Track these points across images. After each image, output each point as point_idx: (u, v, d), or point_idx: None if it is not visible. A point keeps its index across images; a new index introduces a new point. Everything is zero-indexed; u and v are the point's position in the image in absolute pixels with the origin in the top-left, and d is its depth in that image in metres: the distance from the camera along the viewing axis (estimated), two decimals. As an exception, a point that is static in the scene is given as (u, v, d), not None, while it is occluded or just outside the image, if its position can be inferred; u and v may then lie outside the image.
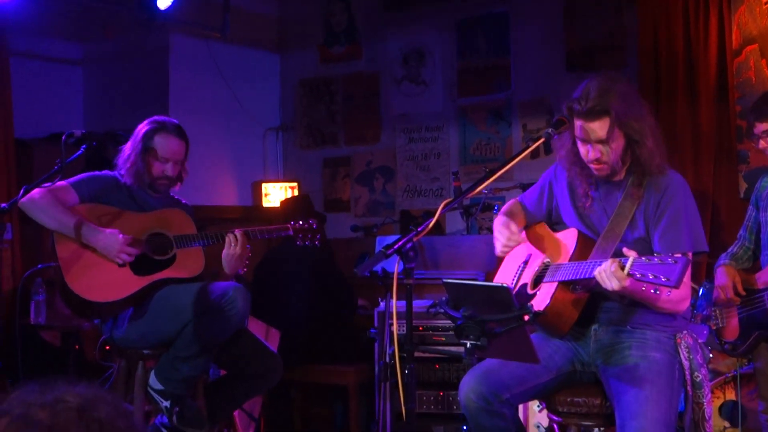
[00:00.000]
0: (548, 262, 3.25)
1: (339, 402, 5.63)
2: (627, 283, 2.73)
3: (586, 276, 2.94)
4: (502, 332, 2.66)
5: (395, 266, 2.89)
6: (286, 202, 5.80)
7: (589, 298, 3.11)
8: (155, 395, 3.84)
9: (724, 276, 3.98)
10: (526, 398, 3.33)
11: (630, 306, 3.13)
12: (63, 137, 3.92)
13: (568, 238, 3.23)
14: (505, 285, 2.73)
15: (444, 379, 4.69)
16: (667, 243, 3.01)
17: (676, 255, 2.62)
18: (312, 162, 7.25)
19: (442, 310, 2.81)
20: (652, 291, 2.67)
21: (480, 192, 3.23)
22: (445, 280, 2.83)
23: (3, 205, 3.68)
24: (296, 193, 6.98)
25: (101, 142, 3.99)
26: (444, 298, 2.83)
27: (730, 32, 5.23)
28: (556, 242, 3.30)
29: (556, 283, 3.09)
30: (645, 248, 3.06)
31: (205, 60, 6.66)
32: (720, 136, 5.33)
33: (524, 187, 5.15)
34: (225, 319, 3.73)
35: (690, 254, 3.01)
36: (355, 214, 7.00)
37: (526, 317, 2.63)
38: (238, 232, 3.97)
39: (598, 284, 2.89)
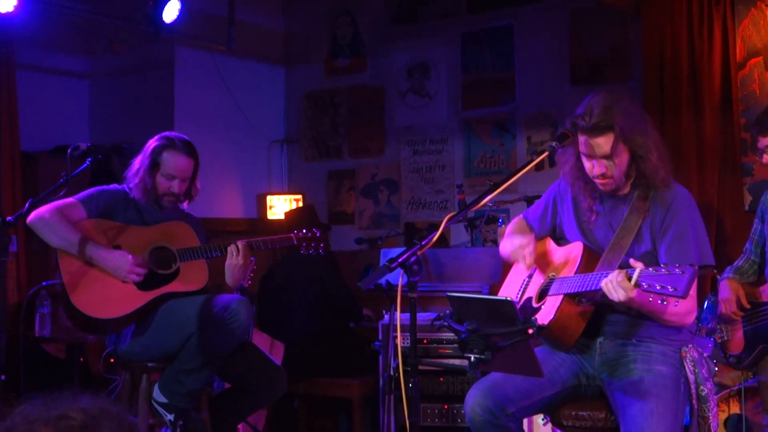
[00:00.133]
0: (553, 275, 3.25)
1: (343, 415, 5.62)
2: (634, 293, 2.72)
3: (593, 288, 2.93)
4: (506, 346, 2.66)
5: (399, 279, 2.89)
6: (290, 214, 5.80)
7: (594, 312, 3.10)
8: (159, 408, 3.83)
9: (728, 290, 3.98)
10: (531, 412, 3.32)
11: (635, 319, 3.12)
12: (68, 150, 3.93)
13: (573, 251, 3.23)
14: (509, 299, 2.73)
15: (449, 392, 4.68)
16: (674, 256, 3.00)
17: (684, 266, 2.61)
18: (317, 174, 7.26)
19: (446, 324, 2.80)
20: (659, 302, 2.66)
21: (484, 205, 3.23)
22: (448, 294, 2.83)
23: (9, 218, 3.69)
24: (301, 205, 6.98)
25: (107, 155, 4.00)
26: (448, 311, 2.83)
27: (734, 45, 5.23)
28: (561, 256, 3.30)
29: (561, 296, 3.08)
30: (651, 262, 3.05)
31: (211, 73, 6.68)
32: (724, 148, 5.33)
33: (529, 200, 5.17)
34: (228, 332, 3.73)
35: (697, 266, 3.01)
36: (359, 227, 7.00)
37: (530, 331, 2.62)
38: (240, 243, 3.97)
39: (603, 297, 2.89)
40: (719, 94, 5.29)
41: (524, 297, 3.33)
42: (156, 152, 4.00)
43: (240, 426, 4.63)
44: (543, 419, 4.31)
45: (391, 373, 4.18)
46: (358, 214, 7.04)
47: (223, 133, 6.77)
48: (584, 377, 3.21)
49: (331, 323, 5.28)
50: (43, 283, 4.85)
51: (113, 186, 4.10)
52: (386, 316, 4.71)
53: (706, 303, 4.38)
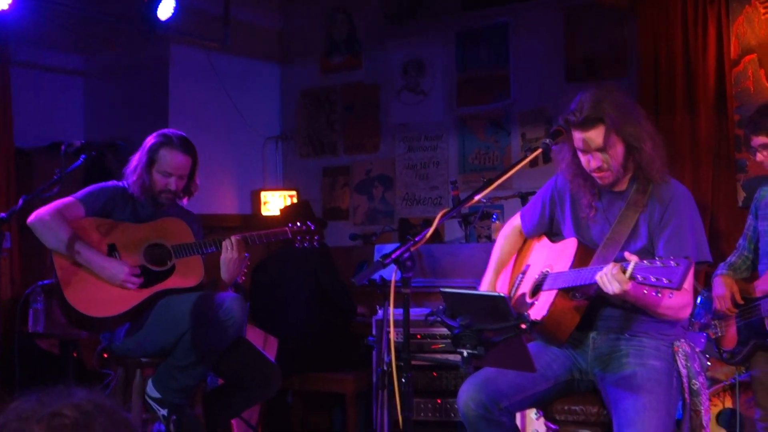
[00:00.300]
0: (547, 271, 3.26)
1: (337, 409, 5.63)
2: (628, 286, 2.73)
3: (587, 282, 2.95)
4: (499, 341, 2.67)
5: (393, 274, 2.90)
6: (286, 210, 5.80)
7: (587, 307, 3.12)
8: (153, 403, 3.84)
9: (722, 286, 4.00)
10: (524, 406, 3.34)
11: (628, 314, 3.14)
12: (63, 147, 3.94)
13: (567, 247, 3.24)
14: (502, 294, 2.74)
15: (442, 386, 4.69)
16: (672, 251, 3.01)
17: (678, 258, 2.62)
18: (311, 171, 7.27)
19: (439, 319, 2.81)
20: (654, 294, 2.68)
21: (479, 201, 3.25)
22: (442, 289, 2.84)
23: (2, 214, 3.69)
24: (295, 201, 6.99)
25: (101, 153, 4.01)
26: (441, 306, 2.84)
27: (729, 42, 5.25)
28: (555, 252, 3.31)
29: (555, 291, 3.09)
30: (646, 257, 3.06)
31: (206, 70, 6.68)
32: (719, 145, 5.34)
33: (523, 196, 5.17)
34: (222, 330, 3.73)
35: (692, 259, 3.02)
36: (354, 223, 7.01)
37: (523, 326, 2.63)
38: (235, 238, 3.98)
39: (597, 291, 2.90)
40: (714, 91, 5.30)
41: (518, 293, 3.35)
42: (153, 149, 4.00)
43: (233, 421, 4.64)
44: (536, 414, 4.34)
45: (385, 368, 4.19)
46: (353, 210, 7.05)
47: (218, 130, 6.77)
48: (577, 372, 3.22)
49: (325, 318, 5.28)
50: (39, 283, 4.86)
51: (112, 183, 4.10)
52: (380, 312, 4.72)
53: (699, 298, 4.40)
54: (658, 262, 2.65)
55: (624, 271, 2.71)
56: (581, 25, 6.06)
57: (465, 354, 2.69)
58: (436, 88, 6.71)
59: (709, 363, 4.21)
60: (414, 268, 2.88)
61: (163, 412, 3.81)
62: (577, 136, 3.12)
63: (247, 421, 4.82)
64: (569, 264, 3.14)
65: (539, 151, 3.18)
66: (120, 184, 4.08)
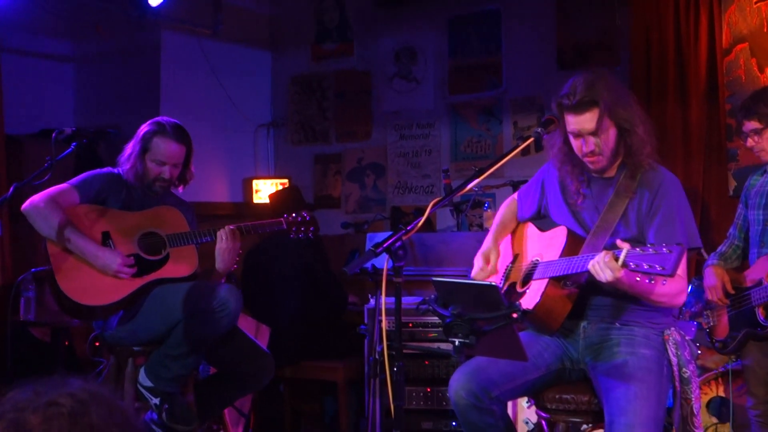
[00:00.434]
0: (537, 260, 3.27)
1: (329, 398, 5.64)
2: (621, 274, 2.74)
3: (579, 270, 2.95)
4: (491, 330, 2.67)
5: (385, 263, 2.90)
6: (275, 195, 5.77)
7: (578, 295, 3.12)
8: (145, 392, 3.83)
9: (713, 277, 4.01)
10: (515, 395, 3.35)
11: (619, 303, 3.14)
12: (53, 134, 3.92)
13: (557, 236, 3.24)
14: (493, 283, 2.75)
15: (433, 375, 4.70)
16: (662, 238, 3.01)
17: (671, 245, 2.63)
18: (303, 158, 7.25)
19: (431, 308, 2.81)
20: (647, 281, 2.68)
21: (470, 189, 3.25)
22: (433, 279, 2.84)
23: (-7, 202, 3.68)
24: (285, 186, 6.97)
25: (91, 140, 3.99)
26: (433, 296, 2.84)
27: (721, 31, 5.25)
28: (545, 241, 3.32)
29: (546, 280, 3.10)
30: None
31: (197, 57, 6.66)
32: (710, 134, 5.35)
33: (514, 185, 5.18)
34: (216, 320, 3.73)
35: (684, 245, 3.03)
36: (345, 211, 7.00)
37: (515, 315, 2.64)
38: (230, 228, 3.97)
39: (589, 279, 2.91)
40: (705, 79, 5.30)
41: (508, 282, 3.35)
42: (146, 138, 3.99)
43: (225, 409, 4.65)
44: (527, 402, 4.35)
45: (376, 356, 4.19)
46: (345, 198, 7.04)
47: (209, 117, 6.75)
48: (568, 361, 3.23)
49: (317, 307, 5.29)
50: (32, 270, 4.84)
51: (107, 170, 4.09)
52: (372, 300, 4.73)
53: (689, 287, 4.41)
54: (650, 249, 2.65)
55: (616, 259, 2.72)
56: (573, 12, 6.05)
57: (456, 343, 2.69)
58: (427, 76, 6.70)
59: (699, 351, 4.25)
60: (406, 257, 2.87)
61: (156, 400, 3.81)
62: (570, 119, 3.12)
63: (239, 409, 4.83)
64: (559, 253, 3.15)
65: (531, 140, 3.20)
66: (115, 171, 4.06)
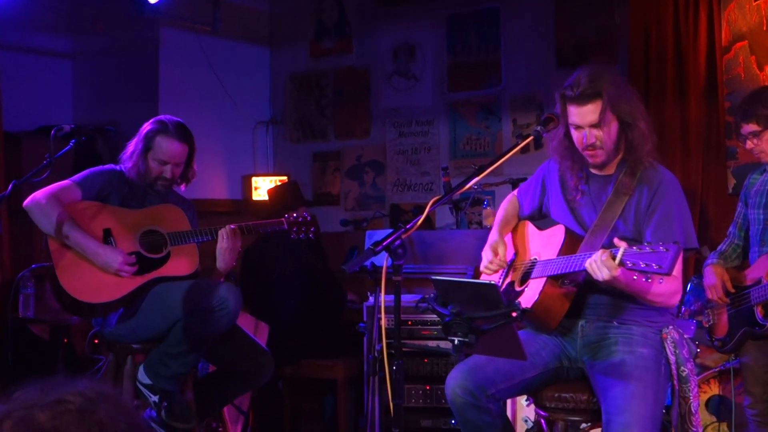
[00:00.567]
0: (535, 259, 3.27)
1: (328, 395, 5.64)
2: (618, 272, 2.74)
3: (577, 269, 2.96)
4: (490, 329, 2.67)
5: (384, 261, 2.90)
6: (274, 191, 5.74)
7: (576, 294, 3.12)
8: (144, 390, 3.83)
9: (712, 276, 4.00)
10: (512, 393, 3.35)
11: (617, 302, 3.15)
12: (52, 132, 3.92)
13: (555, 234, 3.25)
14: (492, 282, 2.75)
15: (432, 373, 4.70)
16: (660, 237, 3.01)
17: (668, 244, 2.63)
18: (302, 156, 7.25)
19: (430, 307, 2.81)
20: (643, 280, 2.68)
21: (470, 187, 3.25)
22: (433, 277, 2.84)
23: (-8, 198, 3.68)
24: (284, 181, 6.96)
25: (90, 137, 3.99)
26: (432, 294, 2.84)
27: (720, 29, 5.24)
28: (543, 240, 3.32)
29: (544, 279, 3.10)
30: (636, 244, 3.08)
31: (196, 54, 6.65)
32: (709, 132, 5.35)
33: (514, 182, 5.18)
34: (215, 320, 3.72)
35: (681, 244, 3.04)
36: (344, 208, 7.00)
37: (514, 314, 2.64)
38: (231, 227, 3.97)
39: (586, 278, 2.91)
40: (704, 77, 5.30)
41: (507, 281, 3.35)
42: (149, 136, 3.98)
43: (224, 407, 4.65)
44: (526, 400, 4.35)
45: (375, 354, 4.19)
46: (344, 195, 7.04)
47: (208, 114, 6.74)
48: (566, 360, 3.23)
49: (316, 305, 5.28)
50: (33, 266, 4.84)
51: (109, 167, 4.08)
52: (371, 298, 4.72)
53: (689, 285, 4.41)
54: (647, 248, 2.66)
55: (613, 258, 2.72)
56: (572, 10, 6.05)
57: (456, 342, 2.69)
58: (426, 73, 6.70)
59: (698, 350, 4.25)
60: (405, 255, 2.87)
61: (155, 398, 3.81)
62: (573, 110, 3.12)
63: (238, 407, 4.83)
64: (557, 251, 3.16)
65: (530, 138, 3.20)
66: (117, 168, 4.06)
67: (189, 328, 3.71)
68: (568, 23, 6.06)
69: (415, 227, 2.91)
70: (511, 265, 3.41)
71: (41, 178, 3.83)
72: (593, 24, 5.96)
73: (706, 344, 4.17)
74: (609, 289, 3.05)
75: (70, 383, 1.32)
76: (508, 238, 3.56)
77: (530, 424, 4.42)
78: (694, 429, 3.10)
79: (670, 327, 3.15)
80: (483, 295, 2.70)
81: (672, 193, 3.15)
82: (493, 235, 3.50)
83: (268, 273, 5.31)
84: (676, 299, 3.12)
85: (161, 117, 4.07)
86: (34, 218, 3.78)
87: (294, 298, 5.22)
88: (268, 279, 5.30)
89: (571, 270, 3.00)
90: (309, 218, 4.16)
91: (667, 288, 2.96)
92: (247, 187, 7.07)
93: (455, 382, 3.11)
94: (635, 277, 2.71)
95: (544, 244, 3.29)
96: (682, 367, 3.09)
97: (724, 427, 4.30)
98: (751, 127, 3.87)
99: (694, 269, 4.77)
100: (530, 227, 3.48)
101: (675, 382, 3.10)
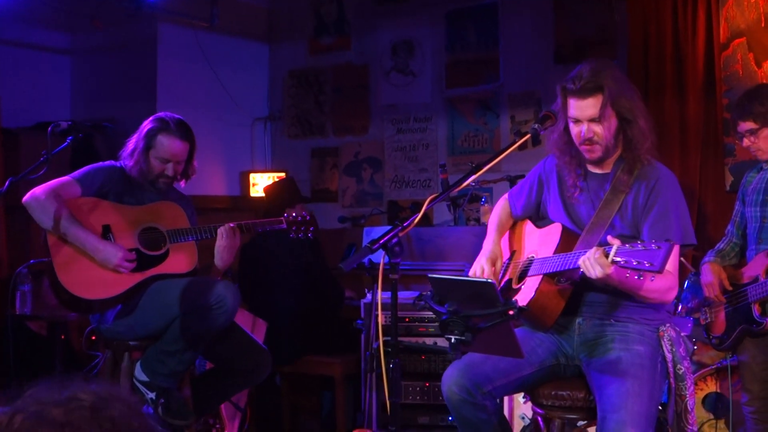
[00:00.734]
0: (532, 257, 3.28)
1: (326, 392, 5.64)
2: (611, 270, 2.75)
3: (571, 267, 2.96)
4: (487, 327, 2.67)
5: (381, 257, 2.90)
6: (270, 187, 5.72)
7: (573, 292, 3.13)
8: (141, 386, 3.83)
9: (709, 273, 4.01)
10: (508, 391, 3.35)
11: (613, 300, 3.15)
12: (49, 128, 3.91)
13: (551, 233, 3.25)
14: (489, 280, 2.75)
15: (430, 369, 4.70)
16: (657, 234, 3.02)
17: (660, 241, 2.64)
18: (300, 152, 7.25)
19: (427, 305, 2.81)
20: (635, 277, 2.69)
21: (467, 184, 3.25)
22: (430, 275, 2.84)
23: (-11, 195, 3.68)
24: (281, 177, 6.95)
25: (88, 134, 3.98)
26: (429, 292, 2.84)
27: (718, 26, 5.24)
28: (540, 238, 3.32)
29: (540, 276, 3.11)
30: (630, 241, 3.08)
31: (194, 50, 6.64)
32: (707, 129, 5.34)
33: (511, 179, 5.18)
34: (213, 318, 3.72)
35: (677, 247, 3.04)
36: (342, 205, 7.00)
37: (511, 312, 2.64)
38: (230, 225, 3.97)
39: (582, 275, 2.91)
40: (702, 74, 5.30)
41: (504, 279, 3.36)
42: (150, 135, 3.98)
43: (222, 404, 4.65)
44: (523, 398, 4.36)
45: (373, 351, 4.20)
46: (341, 192, 7.04)
47: (206, 111, 6.74)
48: (563, 357, 3.23)
49: (314, 302, 5.28)
50: (31, 261, 4.84)
51: (109, 163, 4.08)
52: (368, 295, 4.72)
53: (686, 282, 4.41)
54: (639, 246, 2.67)
55: (606, 255, 2.73)
56: (570, 7, 6.04)
57: (453, 340, 2.69)
58: (425, 70, 6.69)
59: (695, 347, 4.26)
60: (402, 253, 2.87)
61: (151, 395, 3.81)
62: (573, 103, 3.12)
63: (235, 404, 4.83)
64: (554, 249, 3.16)
65: (528, 136, 3.20)
66: (117, 164, 4.05)
67: (186, 326, 3.72)
68: (566, 20, 6.06)
69: (412, 225, 2.91)
70: (509, 263, 3.41)
71: (38, 174, 3.83)
72: (592, 21, 5.95)
73: (703, 341, 4.17)
74: (605, 286, 3.05)
75: (83, 382, 1.33)
76: (504, 238, 3.56)
77: (527, 422, 4.42)
78: (690, 427, 3.11)
79: (667, 325, 3.16)
80: (480, 293, 2.70)
81: (669, 190, 3.15)
82: (489, 244, 3.47)
83: (267, 270, 5.31)
84: (671, 295, 3.12)
85: (161, 114, 4.06)
86: (33, 214, 3.78)
87: (292, 295, 5.22)
88: (266, 276, 5.30)
89: (567, 268, 3.00)
90: (308, 217, 4.16)
91: (662, 285, 2.97)
92: (245, 184, 7.07)
93: (451, 379, 3.12)
94: (628, 275, 2.72)
95: (541, 242, 3.29)
96: (679, 365, 3.09)
97: (720, 424, 4.30)
98: (748, 125, 3.87)
99: (692, 265, 4.77)
100: (528, 225, 3.48)
101: (671, 380, 3.10)
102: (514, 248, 3.48)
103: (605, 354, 3.09)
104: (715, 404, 4.34)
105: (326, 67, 7.14)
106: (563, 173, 3.33)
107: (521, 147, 3.32)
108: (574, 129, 3.16)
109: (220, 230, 3.95)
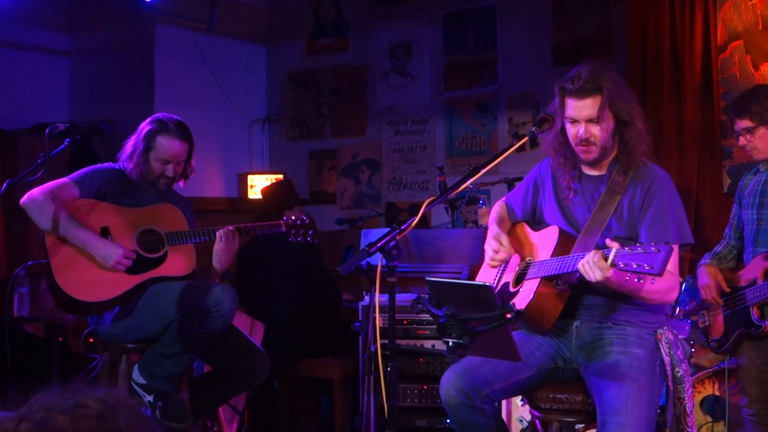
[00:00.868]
0: (530, 260, 3.27)
1: (324, 394, 5.63)
2: (610, 273, 2.75)
3: (570, 270, 2.96)
4: (484, 331, 2.67)
5: (379, 261, 2.89)
6: (268, 189, 5.70)
7: (570, 295, 3.12)
8: (138, 389, 3.83)
9: (706, 276, 4.01)
10: (506, 394, 3.35)
11: (611, 303, 3.15)
12: (47, 130, 3.91)
13: (548, 235, 3.25)
14: (487, 284, 2.74)
15: (428, 372, 4.69)
16: (655, 235, 3.02)
17: (659, 244, 2.64)
18: (298, 154, 7.25)
19: (425, 308, 2.81)
20: (635, 280, 2.68)
21: (465, 187, 3.24)
22: (427, 278, 2.84)
23: (-13, 197, 3.67)
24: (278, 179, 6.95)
25: (85, 136, 3.98)
26: (427, 295, 2.84)
27: (716, 28, 5.24)
28: (537, 241, 3.32)
29: (538, 280, 3.10)
30: (627, 244, 3.07)
31: (192, 51, 6.64)
32: (704, 131, 5.35)
33: (509, 182, 5.18)
34: (211, 321, 3.72)
35: (676, 246, 3.04)
36: (340, 207, 7.00)
37: (509, 315, 2.63)
38: (228, 228, 3.96)
39: (580, 278, 2.91)
40: (700, 77, 5.31)
41: (501, 282, 3.35)
42: (149, 136, 3.97)
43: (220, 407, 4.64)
44: (521, 400, 4.36)
45: (371, 354, 4.19)
46: (339, 194, 7.04)
47: (204, 112, 6.73)
48: (561, 360, 3.23)
49: (312, 305, 5.27)
50: (29, 263, 4.83)
51: (107, 165, 4.07)
52: (366, 297, 4.72)
53: (683, 285, 4.41)
54: (639, 249, 2.66)
55: (605, 259, 2.72)
56: (569, 9, 6.05)
57: (450, 343, 2.69)
58: (423, 72, 6.69)
59: (692, 350, 4.25)
60: (400, 256, 2.87)
61: (149, 398, 3.81)
62: (571, 103, 3.12)
63: (233, 407, 4.82)
64: (551, 252, 3.15)
65: (525, 139, 3.20)
66: (115, 166, 4.05)
67: (184, 329, 3.71)
68: (564, 22, 6.06)
69: (410, 228, 2.91)
70: (506, 266, 3.41)
71: (36, 176, 3.83)
72: (590, 23, 5.96)
73: (701, 344, 4.17)
74: (603, 289, 3.05)
75: (89, 389, 1.33)
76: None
77: (525, 425, 4.42)
78: (689, 429, 3.10)
79: (665, 328, 3.16)
80: (478, 297, 2.70)
81: (665, 190, 3.15)
82: (492, 229, 3.47)
83: (265, 272, 5.30)
84: (672, 295, 3.12)
85: (159, 115, 4.06)
86: (31, 215, 3.77)
87: (290, 297, 5.21)
88: (264, 278, 5.29)
89: (565, 271, 3.00)
90: (308, 221, 4.15)
91: (662, 285, 2.96)
92: (243, 185, 7.07)
93: (449, 382, 3.11)
94: (627, 278, 2.71)
95: (538, 245, 3.29)
96: (677, 368, 3.09)
97: (718, 427, 4.30)
98: (744, 123, 3.88)
99: (689, 269, 4.77)
100: (525, 228, 3.48)
101: (670, 383, 3.10)
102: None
103: (604, 357, 3.08)
104: (712, 407, 4.34)
105: (324, 69, 7.15)
106: (558, 175, 3.33)
107: (519, 149, 3.33)
108: (571, 129, 3.16)
109: (219, 233, 3.94)
